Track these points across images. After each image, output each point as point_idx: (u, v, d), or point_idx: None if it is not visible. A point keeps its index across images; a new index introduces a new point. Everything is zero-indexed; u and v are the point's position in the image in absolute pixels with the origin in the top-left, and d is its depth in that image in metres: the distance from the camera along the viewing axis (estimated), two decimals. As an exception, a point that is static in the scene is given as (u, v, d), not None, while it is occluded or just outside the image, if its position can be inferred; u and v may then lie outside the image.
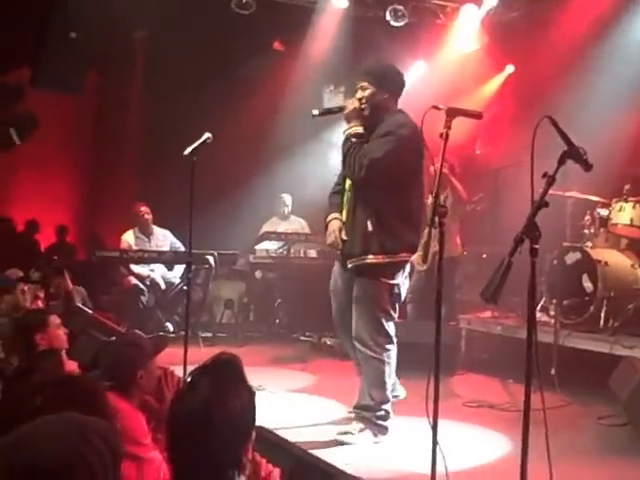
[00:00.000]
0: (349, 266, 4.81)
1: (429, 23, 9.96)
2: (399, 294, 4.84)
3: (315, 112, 4.90)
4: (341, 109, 4.85)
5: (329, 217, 4.93)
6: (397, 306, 4.85)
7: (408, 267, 4.91)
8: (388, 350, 4.77)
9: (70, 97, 10.13)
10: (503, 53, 9.52)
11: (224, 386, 2.18)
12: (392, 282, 4.74)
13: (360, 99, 4.76)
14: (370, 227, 4.66)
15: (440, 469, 3.35)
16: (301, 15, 9.81)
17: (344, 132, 4.81)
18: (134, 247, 8.99)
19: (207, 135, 5.67)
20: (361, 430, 4.72)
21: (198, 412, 2.11)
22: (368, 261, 4.69)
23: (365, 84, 4.77)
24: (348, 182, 4.90)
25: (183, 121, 9.17)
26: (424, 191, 4.89)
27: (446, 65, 9.76)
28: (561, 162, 2.92)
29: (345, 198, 4.90)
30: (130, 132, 10.80)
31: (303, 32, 9.97)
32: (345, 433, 4.72)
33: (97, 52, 9.52)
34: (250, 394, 2.24)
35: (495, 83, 9.83)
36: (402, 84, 4.90)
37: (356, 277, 4.78)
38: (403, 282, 4.85)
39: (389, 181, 4.67)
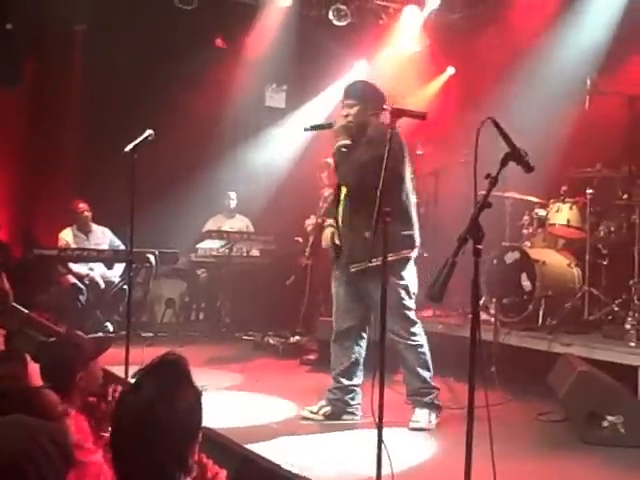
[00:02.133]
0: (352, 270, 5.18)
1: (372, 23, 10.03)
2: (413, 291, 5.24)
3: (307, 127, 5.41)
4: (330, 125, 5.30)
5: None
6: (414, 296, 5.25)
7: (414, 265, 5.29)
8: (419, 334, 5.25)
9: (5, 89, 9.86)
10: (444, 55, 9.63)
11: (169, 387, 2.15)
12: (403, 282, 5.13)
13: (347, 116, 5.22)
14: (367, 233, 4.93)
15: (385, 468, 3.37)
16: (244, 12, 9.77)
17: (335, 145, 5.22)
18: (72, 245, 8.84)
19: (149, 132, 5.62)
20: (428, 415, 5.12)
21: (143, 413, 2.08)
22: (372, 264, 4.85)
23: (351, 102, 5.23)
24: (343, 192, 5.30)
25: (124, 117, 9.02)
26: (410, 190, 5.27)
27: (388, 65, 9.82)
28: (503, 164, 2.97)
29: (341, 207, 5.31)
30: (68, 127, 10.55)
31: (246, 29, 9.93)
32: (417, 421, 5.08)
33: (34, 44, 9.31)
34: (196, 395, 2.21)
35: (436, 84, 9.93)
36: (382, 99, 5.21)
37: (367, 277, 5.00)
38: (414, 279, 5.25)
39: (377, 183, 4.90)
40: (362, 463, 4.15)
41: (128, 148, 5.53)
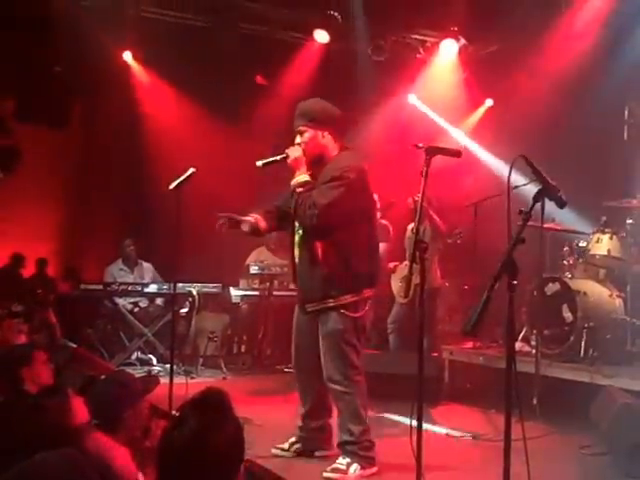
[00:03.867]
0: (309, 310, 4.84)
1: (409, 58, 10.15)
2: (364, 326, 4.86)
3: (259, 163, 4.81)
4: (284, 158, 4.73)
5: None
6: (362, 338, 4.86)
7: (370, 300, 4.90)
8: (358, 382, 4.77)
9: (54, 130, 10.18)
10: (482, 87, 9.69)
11: (212, 420, 2.22)
12: (356, 315, 4.72)
13: (299, 144, 4.72)
14: (326, 272, 4.66)
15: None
16: (283, 49, 9.97)
17: (292, 183, 4.74)
18: (118, 280, 9.03)
19: (192, 170, 5.76)
20: (349, 464, 4.67)
21: (187, 447, 2.16)
22: (330, 304, 4.70)
23: (303, 128, 4.73)
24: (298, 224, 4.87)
25: (167, 155, 9.25)
26: (375, 226, 4.90)
27: (427, 98, 9.93)
28: (536, 200, 3.03)
29: (296, 238, 4.88)
30: (113, 165, 10.85)
31: (285, 66, 10.12)
32: (333, 470, 4.66)
33: (82, 85, 9.61)
34: (238, 428, 2.29)
35: (475, 116, 9.99)
36: (341, 118, 4.85)
37: (320, 316, 4.78)
38: (367, 313, 4.87)
39: (340, 226, 4.64)
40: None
41: (172, 186, 5.68)
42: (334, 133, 4.78)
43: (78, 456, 1.69)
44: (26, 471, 1.57)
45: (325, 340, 4.75)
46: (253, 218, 5.02)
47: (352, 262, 4.67)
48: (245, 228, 5.03)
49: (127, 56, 9.98)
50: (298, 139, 4.74)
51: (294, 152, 4.69)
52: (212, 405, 2.30)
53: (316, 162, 4.75)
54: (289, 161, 4.70)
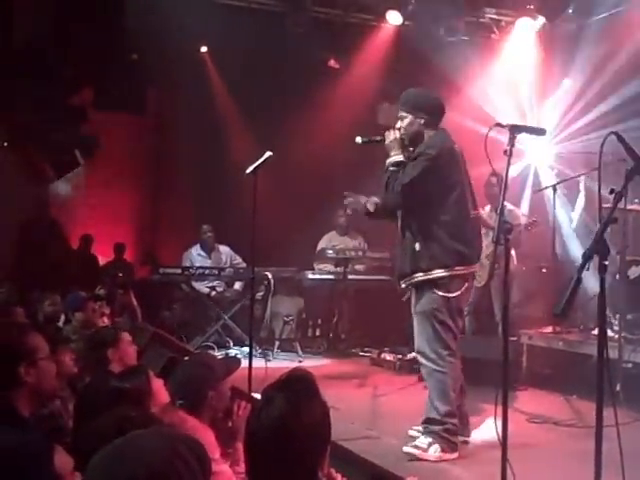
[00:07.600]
0: (402, 286, 5.03)
1: (484, 38, 9.94)
2: (460, 308, 4.93)
3: (358, 140, 5.08)
4: (382, 139, 4.99)
5: None
6: (458, 320, 4.90)
7: (467, 282, 4.92)
8: (451, 362, 4.80)
9: (131, 116, 10.37)
10: (561, 67, 9.42)
11: (299, 401, 2.23)
12: (448, 295, 4.79)
13: (399, 128, 4.96)
14: (418, 247, 4.84)
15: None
16: (356, 32, 9.90)
17: (386, 162, 4.96)
18: (195, 264, 9.15)
19: (268, 154, 5.78)
20: (430, 444, 4.70)
21: (274, 427, 2.17)
22: (420, 279, 4.84)
23: (403, 114, 4.98)
24: None
25: (242, 139, 9.30)
26: (467, 203, 4.93)
27: (502, 80, 9.72)
28: (629, 178, 2.93)
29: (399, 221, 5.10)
30: (189, 150, 10.98)
31: (358, 49, 10.05)
32: (414, 447, 4.72)
33: (158, 72, 9.75)
34: (324, 409, 2.29)
35: (553, 97, 9.72)
36: (438, 107, 5.03)
37: (415, 293, 4.95)
38: (463, 295, 4.91)
39: (425, 201, 4.82)
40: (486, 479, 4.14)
41: (249, 170, 5.71)
42: (430, 119, 4.95)
43: (172, 434, 1.70)
44: (121, 448, 1.59)
45: (417, 317, 4.90)
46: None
47: (440, 237, 4.79)
48: (371, 208, 5.23)
49: (202, 45, 10.12)
50: (398, 124, 4.97)
51: (391, 135, 4.93)
52: (299, 386, 2.30)
53: (412, 145, 4.95)
54: (386, 142, 4.93)
